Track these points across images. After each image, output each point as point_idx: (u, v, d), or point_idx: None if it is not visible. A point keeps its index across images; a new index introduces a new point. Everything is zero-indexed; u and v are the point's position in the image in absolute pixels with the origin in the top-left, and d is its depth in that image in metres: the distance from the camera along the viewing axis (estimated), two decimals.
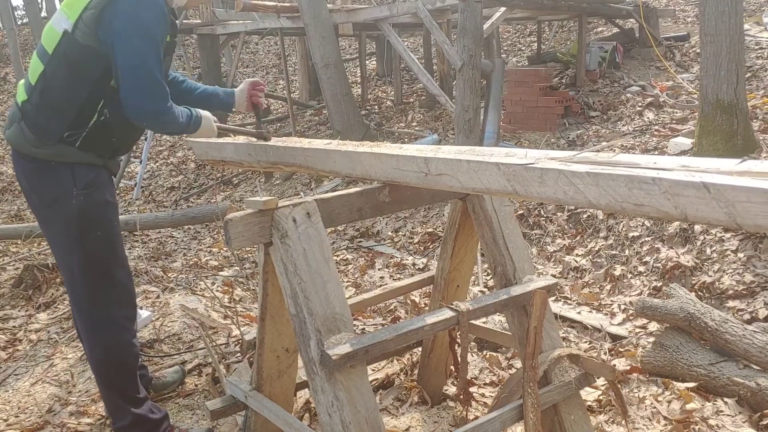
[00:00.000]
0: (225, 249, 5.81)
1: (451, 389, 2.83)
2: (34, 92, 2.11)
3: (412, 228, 6.22)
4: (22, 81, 2.22)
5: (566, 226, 5.35)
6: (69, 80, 2.07)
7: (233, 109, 2.65)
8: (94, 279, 2.22)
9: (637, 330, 3.68)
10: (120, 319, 2.30)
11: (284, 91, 11.72)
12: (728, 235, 4.16)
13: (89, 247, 2.19)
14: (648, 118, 7.17)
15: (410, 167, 1.59)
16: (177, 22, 2.36)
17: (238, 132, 2.57)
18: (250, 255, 5.60)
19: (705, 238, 4.26)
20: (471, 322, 1.88)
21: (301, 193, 7.58)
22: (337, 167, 1.91)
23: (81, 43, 2.03)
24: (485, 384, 2.95)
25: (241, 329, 3.11)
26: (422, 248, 5.80)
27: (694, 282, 3.98)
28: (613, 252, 4.74)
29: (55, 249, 2.28)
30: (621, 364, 3.17)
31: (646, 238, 4.60)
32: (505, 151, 1.52)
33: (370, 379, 2.47)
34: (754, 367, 2.78)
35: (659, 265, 4.28)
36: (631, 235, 4.73)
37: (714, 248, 4.16)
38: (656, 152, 5.89)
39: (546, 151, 1.42)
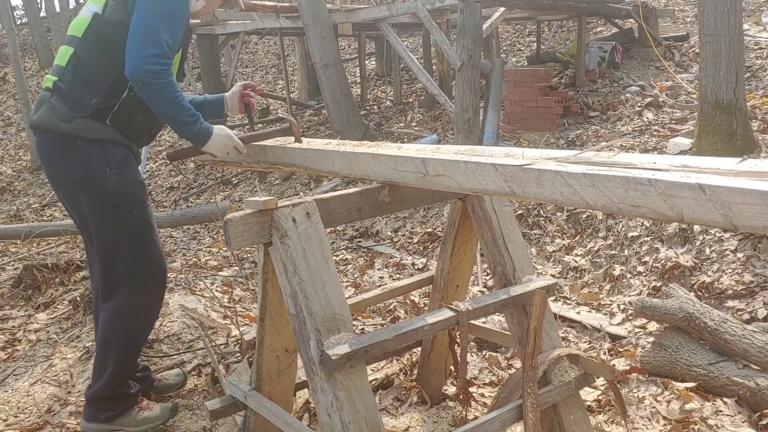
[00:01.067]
0: (224, 249, 5.81)
1: (451, 389, 2.83)
2: (66, 71, 2.18)
3: (412, 228, 6.22)
4: (49, 74, 2.28)
5: (565, 226, 5.35)
6: (101, 56, 2.14)
7: (227, 113, 2.65)
8: (130, 253, 2.26)
9: (637, 330, 3.69)
10: (151, 294, 2.36)
11: (283, 91, 11.72)
12: (727, 235, 4.17)
13: (127, 224, 2.24)
14: (647, 118, 7.17)
15: (408, 168, 1.59)
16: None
17: (264, 136, 2.41)
18: (249, 255, 5.60)
19: (704, 238, 4.27)
20: (470, 322, 1.88)
21: (301, 193, 7.58)
22: (336, 168, 1.91)
23: (111, 20, 2.13)
24: (485, 384, 2.95)
25: (241, 329, 3.11)
26: (422, 248, 5.81)
27: (693, 282, 3.98)
28: (613, 252, 4.74)
29: (90, 226, 2.29)
30: (620, 364, 3.17)
31: (646, 238, 4.60)
32: (504, 150, 1.52)
33: (370, 379, 2.47)
34: (754, 366, 2.78)
35: (658, 265, 4.28)
36: (630, 235, 4.73)
37: (713, 248, 4.16)
38: (656, 152, 5.89)
39: (546, 151, 1.42)
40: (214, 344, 3.11)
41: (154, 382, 2.76)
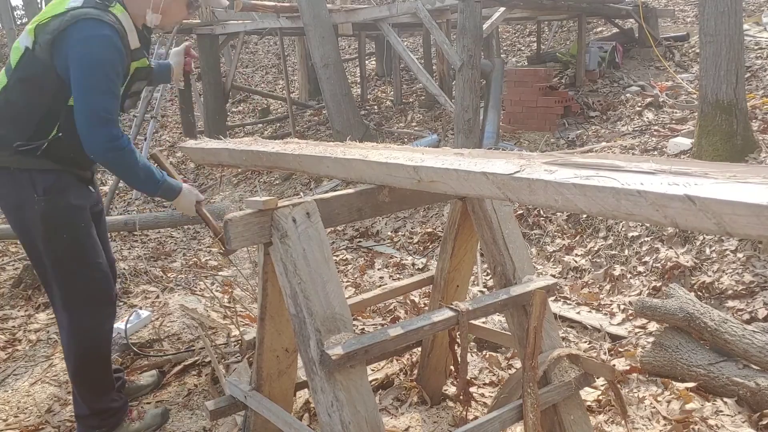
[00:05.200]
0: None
1: (451, 389, 2.83)
2: None
3: (412, 228, 6.22)
4: None
5: (566, 226, 5.35)
6: (28, 95, 2.11)
7: (171, 82, 2.66)
8: (65, 279, 2.27)
9: (637, 330, 3.69)
10: (95, 317, 2.33)
11: (284, 91, 11.71)
12: None
13: (56, 250, 2.23)
14: (647, 118, 7.17)
15: (402, 174, 1.58)
16: (153, 36, 2.41)
17: (210, 223, 2.47)
18: (249, 255, 5.59)
19: (704, 238, 4.27)
20: (471, 322, 1.87)
21: (301, 193, 7.58)
22: (331, 172, 1.92)
23: (40, 59, 2.08)
24: (485, 384, 2.95)
25: (241, 329, 3.11)
26: (422, 248, 5.80)
27: (693, 282, 3.98)
28: (613, 252, 4.74)
29: (27, 251, 2.34)
30: (620, 364, 3.17)
31: (646, 238, 4.60)
32: (495, 154, 1.51)
33: (370, 379, 2.47)
34: (754, 367, 2.78)
35: (659, 265, 4.28)
36: (630, 235, 4.73)
37: (713, 248, 4.16)
38: (656, 152, 5.89)
39: (535, 154, 1.42)
40: (214, 344, 3.11)
41: (126, 384, 2.75)
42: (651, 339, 3.36)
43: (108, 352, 2.45)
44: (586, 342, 3.62)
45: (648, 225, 4.68)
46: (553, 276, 4.69)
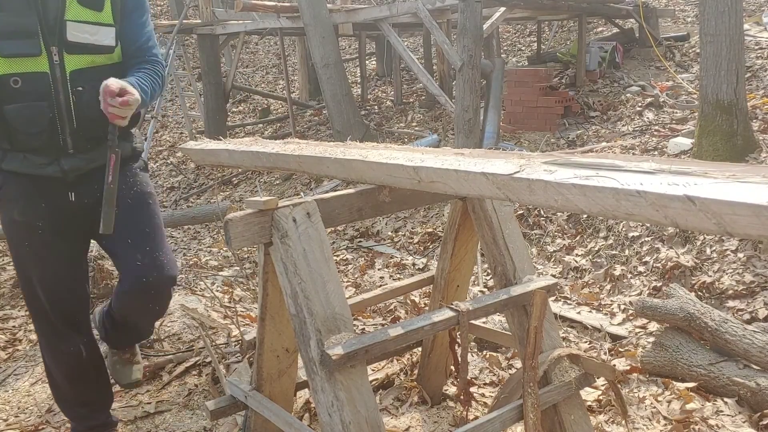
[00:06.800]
0: (225, 249, 5.81)
1: (451, 389, 2.83)
2: None
3: (412, 228, 6.22)
4: None
5: (566, 226, 5.35)
6: None
7: None
8: (22, 291, 2.19)
9: (637, 330, 3.69)
10: (43, 336, 2.20)
11: (284, 91, 11.72)
12: None
13: (13, 261, 2.17)
14: (648, 118, 7.17)
15: (402, 174, 1.58)
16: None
17: None
18: (250, 255, 5.60)
19: (705, 238, 4.27)
20: (471, 322, 1.88)
21: (301, 193, 7.58)
22: (332, 172, 1.92)
23: None
24: (485, 384, 2.95)
25: (241, 329, 3.11)
26: (422, 248, 5.81)
27: (693, 282, 3.98)
28: (613, 252, 4.74)
29: None
30: (621, 364, 3.17)
31: (646, 238, 4.60)
32: (497, 154, 1.51)
33: (370, 379, 2.47)
34: (754, 367, 2.78)
35: (659, 265, 4.28)
36: (630, 235, 4.73)
37: (714, 248, 4.16)
38: (656, 152, 5.90)
39: (535, 154, 1.42)
40: (214, 344, 3.12)
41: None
42: (651, 339, 3.36)
43: (65, 378, 2.23)
44: (586, 342, 3.62)
45: (648, 225, 4.68)
46: (554, 276, 4.69)
